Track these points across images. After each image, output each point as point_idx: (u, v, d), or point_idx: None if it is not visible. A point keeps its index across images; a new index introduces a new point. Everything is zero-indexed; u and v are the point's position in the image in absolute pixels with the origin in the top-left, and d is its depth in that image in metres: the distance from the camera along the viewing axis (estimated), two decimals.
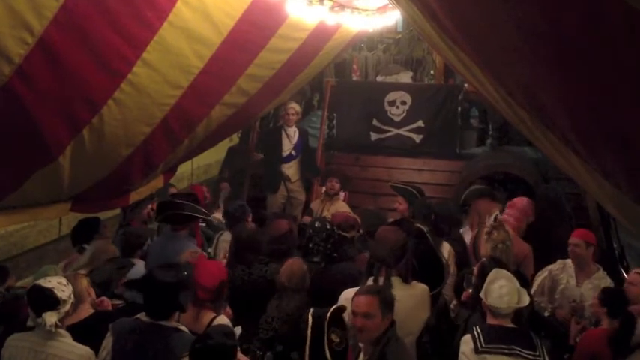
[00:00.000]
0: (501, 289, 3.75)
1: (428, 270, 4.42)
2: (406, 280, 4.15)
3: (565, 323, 4.84)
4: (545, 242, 5.74)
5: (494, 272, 3.91)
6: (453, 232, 5.53)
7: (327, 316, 3.90)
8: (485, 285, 3.83)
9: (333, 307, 3.96)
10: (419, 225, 5.00)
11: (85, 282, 3.98)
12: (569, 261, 5.15)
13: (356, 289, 4.05)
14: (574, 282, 5.08)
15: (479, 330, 3.73)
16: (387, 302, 3.59)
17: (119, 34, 3.50)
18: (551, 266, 5.23)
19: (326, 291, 4.40)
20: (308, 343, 3.91)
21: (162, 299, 3.49)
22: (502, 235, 4.69)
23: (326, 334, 3.90)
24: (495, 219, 5.67)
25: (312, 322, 3.93)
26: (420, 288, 4.21)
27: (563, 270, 5.17)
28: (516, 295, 3.75)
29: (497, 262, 4.26)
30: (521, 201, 5.63)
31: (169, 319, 3.50)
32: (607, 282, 4.93)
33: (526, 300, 3.76)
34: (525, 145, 8.36)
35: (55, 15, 2.99)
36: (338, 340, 3.91)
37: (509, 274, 3.88)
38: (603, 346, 3.99)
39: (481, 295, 3.80)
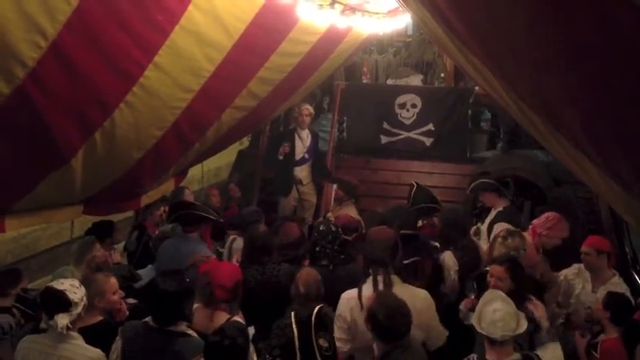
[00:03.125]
0: (495, 314, 3.44)
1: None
2: (405, 280, 4.19)
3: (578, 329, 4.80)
4: (556, 246, 5.71)
5: (489, 293, 3.68)
6: (460, 241, 5.47)
7: (312, 319, 3.91)
8: (478, 307, 3.59)
9: (316, 309, 3.98)
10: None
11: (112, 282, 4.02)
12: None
13: (355, 290, 4.13)
14: (590, 287, 5.01)
15: None
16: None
17: (131, 37, 3.52)
18: (566, 271, 5.18)
19: (336, 294, 4.41)
20: (298, 352, 3.92)
21: (165, 307, 3.51)
22: (517, 242, 4.65)
23: (314, 341, 3.91)
24: (499, 213, 5.66)
25: (298, 328, 3.95)
26: (422, 291, 4.22)
27: (578, 275, 5.11)
28: (513, 320, 3.44)
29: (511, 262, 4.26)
30: (547, 214, 5.54)
31: (176, 324, 3.51)
32: (622, 288, 4.86)
33: (524, 326, 3.47)
34: (537, 149, 8.32)
35: (68, 19, 3.01)
36: (327, 344, 3.93)
37: (505, 296, 3.61)
38: (623, 356, 3.95)
39: (473, 320, 3.57)
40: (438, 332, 4.18)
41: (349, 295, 4.21)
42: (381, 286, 4.07)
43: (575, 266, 5.15)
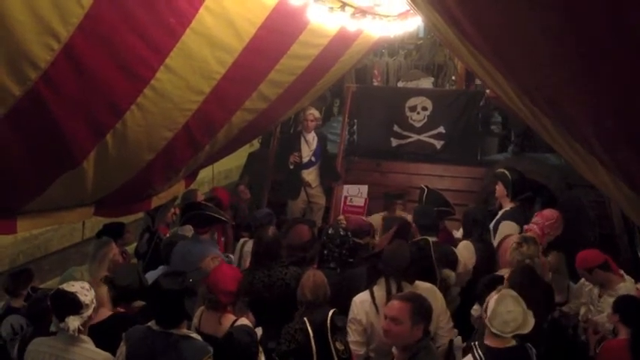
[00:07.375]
0: (508, 315, 3.62)
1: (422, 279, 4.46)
2: (412, 282, 4.26)
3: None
4: (568, 251, 5.67)
5: (504, 293, 3.77)
6: (483, 235, 5.47)
7: (327, 324, 3.92)
8: (491, 306, 3.70)
9: (330, 313, 3.99)
10: (426, 237, 5.03)
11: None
12: None
13: (367, 292, 4.19)
14: (597, 291, 4.98)
15: (481, 355, 3.64)
16: (420, 311, 3.59)
17: (143, 40, 3.53)
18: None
19: (343, 297, 4.41)
20: (315, 357, 3.92)
21: (168, 307, 3.52)
22: (532, 250, 4.60)
23: (332, 345, 3.92)
24: (506, 213, 5.66)
25: (314, 333, 3.95)
26: (428, 284, 4.35)
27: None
28: (521, 319, 3.63)
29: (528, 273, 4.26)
30: (551, 214, 5.54)
31: (179, 326, 3.52)
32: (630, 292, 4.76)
33: (530, 325, 3.64)
34: (548, 152, 8.27)
35: (80, 22, 3.03)
36: (343, 347, 3.94)
37: (517, 296, 3.73)
38: (624, 357, 3.92)
39: (487, 317, 3.69)
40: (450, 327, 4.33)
41: (362, 299, 4.21)
42: (393, 290, 4.13)
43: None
